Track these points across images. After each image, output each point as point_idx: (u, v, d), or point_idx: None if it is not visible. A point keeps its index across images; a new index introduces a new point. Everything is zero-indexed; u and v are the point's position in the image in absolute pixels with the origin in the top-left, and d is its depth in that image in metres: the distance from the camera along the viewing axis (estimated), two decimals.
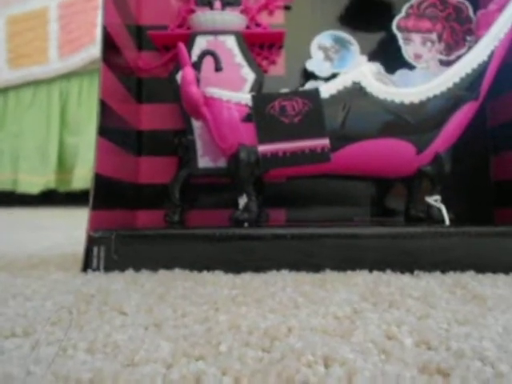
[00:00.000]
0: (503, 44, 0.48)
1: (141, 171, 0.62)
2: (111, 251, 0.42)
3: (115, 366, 0.20)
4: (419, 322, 0.27)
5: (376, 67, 0.51)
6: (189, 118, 0.55)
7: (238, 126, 0.48)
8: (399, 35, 0.56)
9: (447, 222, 0.48)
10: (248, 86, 0.57)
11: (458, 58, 0.52)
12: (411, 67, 0.55)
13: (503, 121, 0.58)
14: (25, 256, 0.55)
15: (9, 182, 1.76)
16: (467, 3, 0.56)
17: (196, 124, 0.56)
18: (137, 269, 0.42)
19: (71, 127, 1.70)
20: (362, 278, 0.38)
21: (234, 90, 0.53)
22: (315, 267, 0.41)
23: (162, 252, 0.43)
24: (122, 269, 0.42)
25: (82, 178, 1.60)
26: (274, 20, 0.63)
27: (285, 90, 0.51)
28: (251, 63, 0.57)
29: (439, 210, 0.49)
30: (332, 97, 0.48)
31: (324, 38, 0.59)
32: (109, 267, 0.42)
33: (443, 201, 0.50)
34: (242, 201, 0.49)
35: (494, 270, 0.41)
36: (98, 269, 0.42)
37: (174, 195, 0.57)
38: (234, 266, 0.42)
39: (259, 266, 0.41)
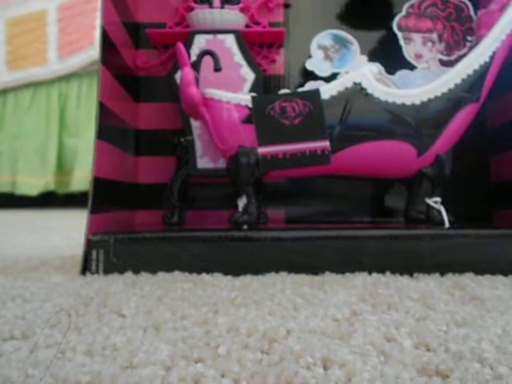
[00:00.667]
0: (505, 45, 0.48)
1: (139, 171, 0.62)
2: (110, 254, 0.42)
3: (114, 368, 0.20)
4: (418, 323, 0.27)
5: (377, 68, 0.51)
6: (188, 118, 0.55)
7: (237, 128, 0.48)
8: (400, 35, 0.56)
9: (447, 223, 0.48)
10: (247, 85, 0.56)
11: (459, 57, 0.52)
12: (412, 67, 0.55)
13: (503, 122, 0.58)
14: (23, 258, 0.54)
15: (7, 183, 1.76)
16: (468, 3, 0.55)
17: (195, 124, 0.56)
18: (136, 271, 0.42)
19: (70, 129, 1.70)
20: (360, 280, 0.38)
21: (234, 89, 0.53)
22: (314, 269, 0.41)
23: (161, 254, 0.43)
24: (121, 271, 0.42)
25: (81, 179, 1.60)
26: (274, 19, 0.63)
27: (285, 91, 0.51)
28: (251, 62, 0.57)
29: (439, 212, 0.49)
30: (333, 98, 0.48)
31: (324, 38, 0.59)
32: (108, 270, 0.42)
33: (442, 202, 0.50)
34: (242, 202, 0.49)
35: (493, 272, 0.41)
36: (97, 272, 0.42)
37: (173, 196, 0.57)
38: (233, 268, 0.42)
39: (258, 268, 0.41)
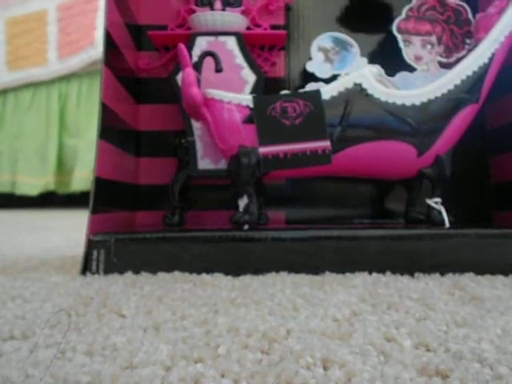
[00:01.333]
0: (504, 47, 0.49)
1: (140, 172, 0.62)
2: (111, 254, 0.42)
3: (114, 368, 0.20)
4: (418, 323, 0.27)
5: (377, 69, 0.51)
6: (189, 119, 0.55)
7: (238, 128, 0.48)
8: (399, 37, 0.56)
9: (447, 224, 0.48)
10: (248, 87, 0.56)
11: (458, 60, 0.53)
12: (411, 69, 0.56)
13: (503, 123, 0.58)
14: (24, 258, 0.54)
15: (8, 183, 1.76)
16: (466, 6, 0.56)
17: (196, 125, 0.56)
18: (136, 271, 0.42)
19: (70, 129, 1.70)
20: (361, 280, 0.38)
21: (235, 91, 0.53)
22: (314, 269, 0.41)
23: (162, 254, 0.43)
24: (122, 271, 0.42)
25: (81, 179, 1.60)
26: (275, 21, 0.63)
27: (285, 92, 0.51)
28: (252, 64, 0.57)
29: (439, 213, 0.49)
30: (333, 98, 0.48)
31: (324, 40, 0.59)
32: (108, 270, 0.42)
33: (442, 202, 0.50)
34: (243, 203, 0.49)
35: (493, 272, 0.41)
36: (97, 272, 0.42)
37: (174, 196, 0.57)
38: (234, 268, 0.42)
39: (258, 268, 0.41)
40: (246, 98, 0.49)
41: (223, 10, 0.58)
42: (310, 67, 0.59)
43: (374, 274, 0.40)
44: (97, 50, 1.54)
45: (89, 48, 1.62)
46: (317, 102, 0.47)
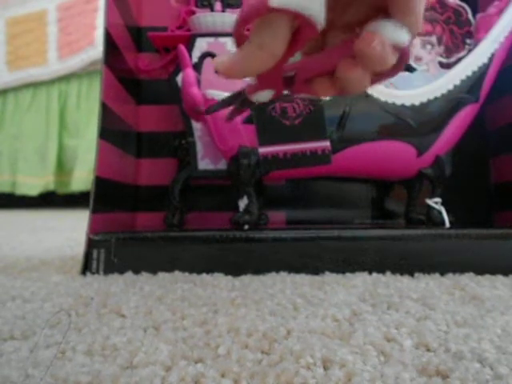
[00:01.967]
0: (504, 47, 0.49)
1: (140, 173, 0.62)
2: (111, 254, 0.42)
3: (114, 368, 0.20)
4: (418, 323, 0.27)
5: None
6: (189, 120, 0.55)
7: (238, 128, 0.48)
8: None
9: (447, 224, 0.48)
10: None
11: (458, 60, 0.53)
12: (411, 69, 0.56)
13: (502, 123, 0.58)
14: (24, 258, 0.54)
15: (8, 183, 1.76)
16: (466, 6, 0.56)
17: (196, 126, 0.56)
18: (136, 271, 0.42)
19: (70, 129, 1.70)
20: (361, 280, 0.38)
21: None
22: (314, 269, 0.41)
23: (162, 254, 0.43)
24: (122, 271, 0.42)
25: (81, 179, 1.60)
26: None
27: (285, 92, 0.51)
28: None
29: (439, 213, 0.49)
30: (333, 98, 0.48)
31: None
32: (108, 270, 0.42)
33: (442, 203, 0.50)
34: (243, 203, 0.49)
35: (493, 272, 0.41)
36: (97, 272, 0.42)
37: (174, 197, 0.57)
38: (234, 268, 0.42)
39: (258, 268, 0.41)
40: None
41: (223, 11, 0.58)
42: None
43: (374, 274, 0.40)
44: (97, 50, 1.54)
45: (89, 48, 1.62)
46: (316, 102, 0.47)
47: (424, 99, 0.48)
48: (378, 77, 0.23)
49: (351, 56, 0.21)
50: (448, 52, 0.56)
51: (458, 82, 0.48)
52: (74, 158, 1.66)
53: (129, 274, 0.41)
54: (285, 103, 0.48)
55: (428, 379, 0.20)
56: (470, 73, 0.48)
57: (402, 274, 0.41)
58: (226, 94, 0.49)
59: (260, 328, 0.25)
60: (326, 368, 0.21)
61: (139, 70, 0.62)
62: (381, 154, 0.48)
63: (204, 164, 0.57)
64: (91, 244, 0.43)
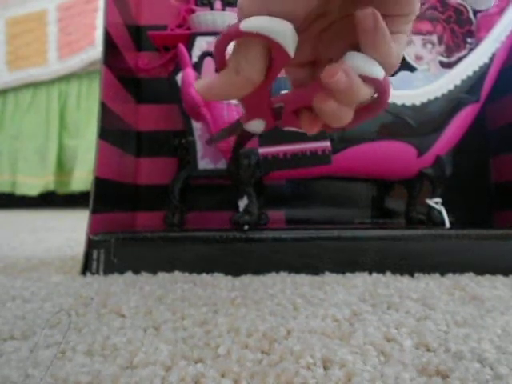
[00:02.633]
0: (505, 46, 0.49)
1: (140, 172, 0.62)
2: (111, 254, 0.42)
3: (114, 368, 0.20)
4: (418, 323, 0.27)
5: None
6: (189, 119, 0.55)
7: None
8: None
9: (447, 224, 0.48)
10: None
11: (459, 59, 0.53)
12: (412, 69, 0.55)
13: (503, 123, 0.58)
14: (24, 258, 0.54)
15: (8, 183, 1.76)
16: (467, 5, 0.56)
17: (196, 125, 0.56)
18: (136, 271, 0.42)
19: (70, 129, 1.70)
20: (361, 280, 0.38)
21: None
22: (314, 269, 0.41)
23: (162, 254, 0.43)
24: (122, 271, 0.42)
25: (81, 179, 1.60)
26: None
27: (286, 92, 0.51)
28: None
29: (439, 213, 0.49)
30: None
31: None
32: (108, 270, 0.42)
33: (443, 203, 0.50)
34: (243, 203, 0.49)
35: (493, 272, 0.41)
36: (97, 272, 0.42)
37: (174, 196, 0.57)
38: (234, 268, 0.42)
39: (258, 268, 0.41)
40: None
41: (223, 9, 0.58)
42: None
43: (374, 274, 0.40)
44: (97, 50, 1.54)
45: (89, 48, 1.62)
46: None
47: (424, 99, 0.48)
48: (362, 113, 0.23)
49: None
50: (449, 51, 0.56)
51: (458, 82, 0.48)
52: (73, 158, 1.66)
53: (129, 274, 0.41)
54: None
55: (428, 379, 0.20)
56: (470, 72, 0.48)
57: (402, 274, 0.41)
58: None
59: (260, 328, 0.25)
60: (325, 368, 0.21)
61: (139, 68, 0.62)
62: (381, 154, 0.48)
63: (204, 163, 0.57)
64: (91, 244, 0.43)
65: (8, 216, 1.54)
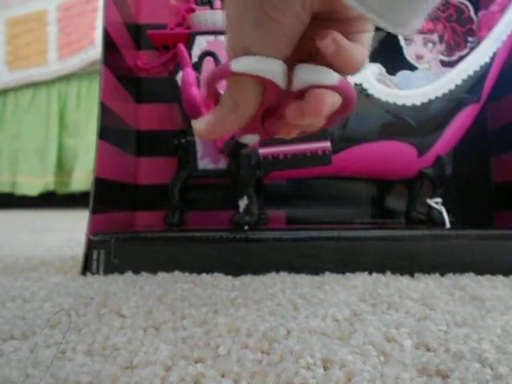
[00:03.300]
0: (505, 46, 0.48)
1: (140, 172, 0.62)
2: (111, 255, 0.42)
3: (114, 368, 0.20)
4: (418, 323, 0.27)
5: (378, 69, 0.51)
6: (189, 119, 0.55)
7: None
8: (400, 35, 0.56)
9: (447, 224, 0.48)
10: None
11: (460, 58, 0.53)
12: (413, 68, 0.55)
13: (503, 123, 0.58)
14: (24, 258, 0.54)
15: (8, 183, 1.76)
16: (468, 4, 0.56)
17: None
18: (136, 271, 0.42)
19: (70, 129, 1.70)
20: (361, 280, 0.38)
21: None
22: (314, 269, 0.41)
23: (162, 255, 0.43)
24: (122, 272, 0.42)
25: (81, 180, 1.60)
26: None
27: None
28: None
29: (440, 213, 0.49)
30: None
31: None
32: (108, 270, 0.42)
33: (443, 203, 0.50)
34: (243, 203, 0.49)
35: (493, 272, 0.41)
36: (97, 272, 0.42)
37: (174, 196, 0.57)
38: (234, 268, 0.42)
39: (258, 269, 0.41)
40: None
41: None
42: None
43: (374, 274, 0.40)
44: (97, 50, 1.53)
45: (89, 48, 1.62)
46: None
47: (425, 99, 0.48)
48: (333, 115, 0.24)
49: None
50: (449, 50, 0.56)
51: (459, 82, 0.48)
52: (73, 158, 1.66)
53: (129, 274, 0.41)
54: None
55: (428, 379, 0.20)
56: (471, 72, 0.48)
57: (402, 274, 0.41)
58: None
59: (260, 328, 0.25)
60: (325, 368, 0.21)
61: (138, 68, 0.62)
62: (381, 154, 0.48)
63: (204, 163, 0.57)
64: (91, 245, 0.43)
65: (8, 216, 1.54)
